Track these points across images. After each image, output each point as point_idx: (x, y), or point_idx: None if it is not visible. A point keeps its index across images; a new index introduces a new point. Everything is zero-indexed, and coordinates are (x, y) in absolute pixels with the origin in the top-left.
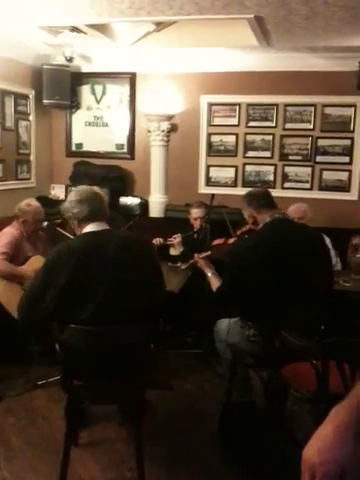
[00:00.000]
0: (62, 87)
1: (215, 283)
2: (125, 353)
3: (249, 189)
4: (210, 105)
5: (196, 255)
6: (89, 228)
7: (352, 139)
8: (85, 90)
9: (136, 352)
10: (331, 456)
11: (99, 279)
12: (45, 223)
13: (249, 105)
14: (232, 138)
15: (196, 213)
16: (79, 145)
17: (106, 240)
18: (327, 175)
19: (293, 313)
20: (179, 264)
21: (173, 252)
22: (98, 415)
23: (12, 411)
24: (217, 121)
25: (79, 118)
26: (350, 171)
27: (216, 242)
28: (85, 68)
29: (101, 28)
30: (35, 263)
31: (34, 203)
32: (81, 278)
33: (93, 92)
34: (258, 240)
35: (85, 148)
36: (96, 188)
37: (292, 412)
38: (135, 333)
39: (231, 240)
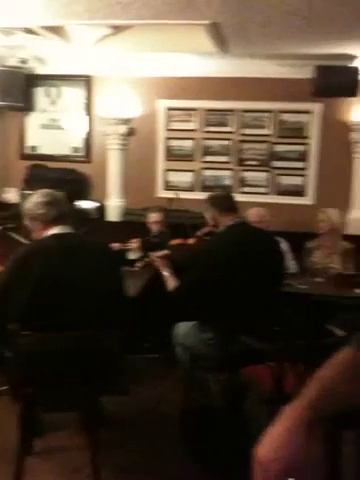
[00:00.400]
0: (16, 89)
1: (171, 283)
2: (84, 358)
3: (207, 193)
4: (168, 109)
5: (152, 254)
6: (55, 231)
7: (307, 145)
8: (40, 92)
9: (97, 357)
10: (284, 453)
11: (65, 283)
12: None
13: (207, 110)
14: (190, 143)
15: (154, 217)
16: (34, 148)
17: (73, 244)
18: (283, 180)
19: (249, 316)
20: (137, 268)
21: (131, 256)
22: (52, 423)
23: None
24: (175, 125)
25: (34, 121)
26: (305, 176)
27: (175, 241)
28: (40, 70)
29: (57, 30)
30: None
31: None
32: (48, 280)
33: (48, 94)
34: (220, 244)
35: (40, 151)
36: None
37: (251, 413)
38: (94, 338)
39: (190, 241)
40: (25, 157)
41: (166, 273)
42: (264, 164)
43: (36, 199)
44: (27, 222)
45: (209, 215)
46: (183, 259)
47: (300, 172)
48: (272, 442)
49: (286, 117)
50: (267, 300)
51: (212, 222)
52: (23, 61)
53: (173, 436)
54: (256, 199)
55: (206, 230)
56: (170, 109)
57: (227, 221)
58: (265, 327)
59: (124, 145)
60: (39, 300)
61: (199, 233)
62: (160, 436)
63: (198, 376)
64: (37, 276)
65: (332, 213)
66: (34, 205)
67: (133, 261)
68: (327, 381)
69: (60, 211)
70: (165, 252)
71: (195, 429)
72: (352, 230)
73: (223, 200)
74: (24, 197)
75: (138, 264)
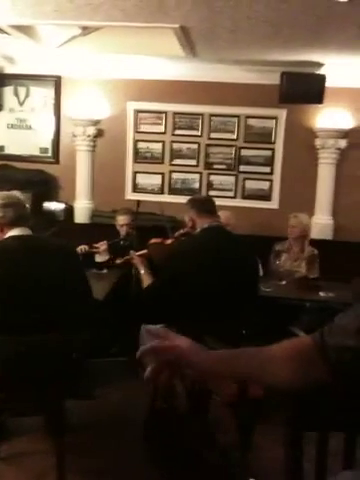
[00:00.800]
0: None
1: (147, 281)
2: (47, 362)
3: (176, 196)
4: (137, 112)
5: (132, 252)
6: (14, 233)
7: (273, 150)
8: (8, 91)
9: (57, 362)
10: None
11: (25, 284)
12: None
13: (175, 113)
14: (159, 145)
15: (122, 220)
16: (1, 148)
17: (31, 245)
18: (250, 184)
19: (217, 318)
20: (104, 271)
21: (98, 259)
22: (17, 427)
23: None
24: (144, 128)
25: (1, 120)
26: (271, 181)
27: (153, 241)
28: (8, 69)
29: (25, 29)
30: None
31: None
32: (7, 282)
33: (16, 94)
34: (194, 245)
35: (7, 151)
36: (17, 193)
37: (215, 416)
38: (58, 342)
39: (169, 241)
40: None
41: (143, 271)
42: (231, 168)
43: None
44: None
45: (187, 216)
46: (160, 259)
47: (266, 177)
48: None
49: (253, 122)
50: (239, 303)
51: (190, 223)
52: None
53: (139, 439)
54: (223, 203)
55: (183, 231)
56: (139, 111)
57: (203, 223)
58: (231, 330)
59: (93, 147)
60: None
61: (177, 234)
62: (126, 439)
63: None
64: None
65: (304, 218)
66: None
67: (100, 264)
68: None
69: (18, 213)
70: (144, 251)
71: (160, 433)
72: (315, 235)
73: (202, 203)
74: None
75: (118, 261)
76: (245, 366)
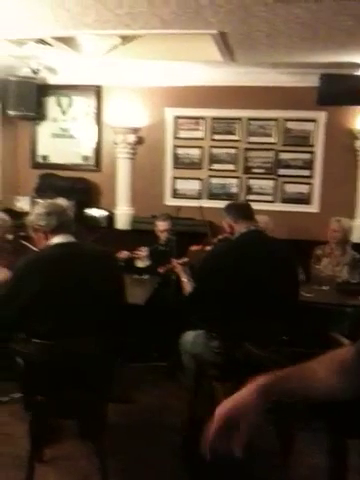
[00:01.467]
0: (28, 99)
1: (188, 289)
2: (87, 366)
3: (215, 201)
4: (176, 118)
5: (173, 260)
6: (57, 240)
7: (313, 153)
8: (51, 102)
9: (98, 365)
10: (232, 405)
11: (66, 291)
12: (11, 236)
13: (214, 119)
14: (197, 151)
15: (162, 225)
16: (45, 157)
17: (74, 252)
18: (289, 188)
19: (256, 324)
20: (145, 277)
21: (139, 264)
22: (62, 431)
23: None
24: (182, 134)
25: (45, 130)
26: (311, 184)
27: (193, 248)
28: (51, 80)
29: (67, 40)
30: (1, 274)
31: (1, 215)
32: (50, 289)
33: (59, 104)
34: (228, 248)
35: (51, 160)
36: (62, 201)
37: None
38: (97, 346)
39: (208, 247)
40: (36, 166)
41: (184, 279)
42: (270, 172)
43: (37, 210)
44: (31, 233)
45: (225, 223)
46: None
47: (305, 180)
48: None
49: (291, 125)
50: (278, 308)
51: (228, 229)
52: (35, 71)
53: (178, 445)
54: (262, 207)
55: (221, 237)
56: (178, 118)
57: (241, 228)
58: (272, 335)
59: (133, 154)
60: (41, 308)
61: (215, 240)
62: (165, 445)
63: (205, 385)
64: (37, 285)
65: (346, 223)
66: (36, 216)
67: (141, 269)
68: (295, 369)
69: (61, 220)
70: (185, 259)
71: (200, 439)
72: (357, 239)
73: (239, 208)
74: (35, 205)
75: (160, 270)
76: (295, 390)
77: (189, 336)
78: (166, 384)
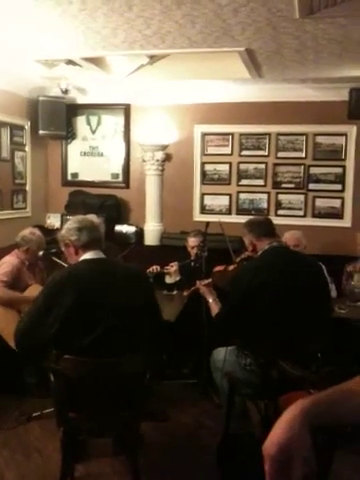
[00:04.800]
0: (58, 118)
1: (215, 310)
2: (121, 384)
3: (244, 217)
4: (203, 135)
5: (198, 282)
6: (87, 256)
7: (344, 167)
8: (80, 121)
9: (132, 383)
10: (280, 442)
11: (99, 307)
12: (41, 252)
13: (242, 134)
14: (226, 167)
15: (193, 241)
16: (75, 175)
17: (106, 269)
18: (320, 202)
19: (290, 342)
20: (175, 292)
21: (169, 280)
22: (94, 448)
23: (6, 445)
24: (211, 150)
25: (75, 148)
26: (343, 198)
27: (217, 269)
28: (80, 99)
29: (96, 61)
30: (33, 291)
31: (37, 232)
32: (82, 305)
33: (88, 123)
34: (254, 266)
35: (81, 177)
36: (93, 218)
37: None
38: (132, 363)
39: (231, 267)
40: (67, 184)
41: (210, 300)
42: (300, 187)
43: (69, 225)
44: (62, 248)
45: (247, 240)
46: (224, 286)
47: (337, 194)
48: (272, 434)
49: (321, 139)
50: (310, 325)
51: (250, 247)
52: (64, 91)
53: (211, 464)
54: (292, 222)
55: (245, 255)
56: (206, 134)
57: (264, 245)
58: (306, 353)
59: (161, 170)
60: (72, 325)
61: (238, 259)
62: (198, 463)
63: (237, 403)
64: (69, 301)
65: None
66: (67, 231)
67: (171, 285)
68: (336, 392)
69: (92, 236)
70: (209, 280)
71: (234, 459)
72: None
73: (259, 225)
74: (65, 222)
75: (184, 293)
76: (338, 414)
77: (220, 354)
78: (200, 401)
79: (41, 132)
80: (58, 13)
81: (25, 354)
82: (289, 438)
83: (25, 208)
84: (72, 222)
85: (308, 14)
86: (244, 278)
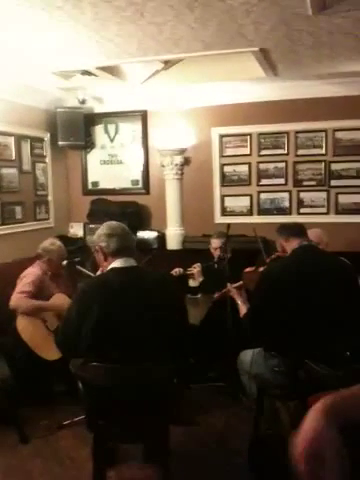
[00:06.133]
0: (76, 128)
1: (244, 311)
2: (149, 390)
3: (265, 217)
4: (221, 137)
5: (229, 285)
6: (117, 263)
7: None
8: (99, 130)
9: (161, 388)
10: (307, 439)
11: (130, 315)
12: (65, 262)
13: (260, 134)
14: (245, 167)
15: (216, 243)
16: (95, 183)
17: (134, 277)
18: (343, 199)
19: (318, 341)
20: (199, 296)
21: (192, 284)
22: (125, 454)
23: (39, 453)
24: (229, 152)
25: (94, 157)
26: None
27: (247, 270)
28: (98, 109)
29: (111, 70)
30: (57, 300)
31: (57, 242)
32: (110, 315)
33: (106, 131)
34: (283, 266)
35: (101, 186)
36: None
37: None
38: (159, 370)
39: (261, 268)
40: (88, 192)
41: (240, 302)
42: (321, 184)
43: (100, 231)
44: (94, 254)
45: (278, 243)
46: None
47: (359, 190)
48: (301, 431)
49: (341, 135)
50: (339, 324)
51: (280, 249)
52: (82, 101)
53: (243, 466)
54: (315, 220)
55: (275, 256)
56: (224, 136)
57: (293, 245)
58: (334, 352)
59: (180, 174)
60: (101, 335)
61: (268, 260)
62: (229, 466)
63: (266, 405)
64: (97, 310)
65: None
66: (98, 237)
67: (194, 289)
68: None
69: (121, 243)
70: (240, 283)
71: (265, 461)
72: None
73: (289, 227)
74: (88, 231)
75: (215, 295)
76: None
77: (247, 355)
78: (228, 405)
79: (60, 143)
80: (71, 24)
81: (68, 353)
82: (315, 438)
83: (48, 219)
84: (103, 228)
85: (321, 10)
86: (269, 278)
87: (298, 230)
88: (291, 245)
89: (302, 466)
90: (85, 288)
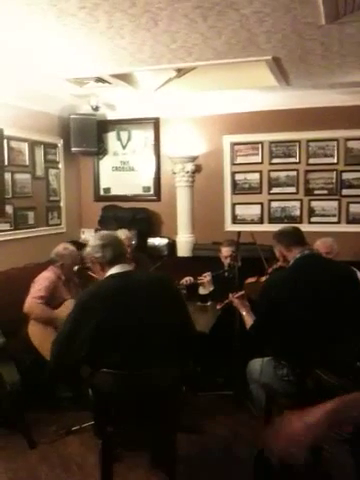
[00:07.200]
0: (89, 135)
1: (249, 322)
2: (156, 396)
3: (276, 225)
4: (233, 145)
5: (231, 295)
6: (113, 270)
7: None
8: (111, 137)
9: (167, 395)
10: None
11: (129, 321)
12: (76, 267)
13: (271, 143)
14: (256, 175)
15: (227, 251)
16: (107, 189)
17: (133, 282)
18: (354, 208)
19: (326, 350)
20: (209, 303)
21: (202, 291)
22: (132, 460)
23: (46, 459)
24: (240, 160)
25: (106, 164)
26: None
27: (249, 280)
28: (110, 116)
29: (124, 77)
30: (69, 306)
31: (70, 247)
32: (111, 320)
33: (119, 138)
34: (287, 276)
35: (113, 192)
36: (123, 232)
37: (330, 454)
38: (166, 376)
39: (263, 278)
40: (99, 199)
41: (244, 312)
42: (333, 193)
43: (93, 243)
44: (89, 265)
45: (277, 251)
46: (257, 297)
47: None
48: (306, 419)
49: (353, 144)
50: (345, 333)
51: (281, 258)
52: (95, 108)
53: (249, 476)
54: (326, 229)
55: (277, 266)
56: (235, 144)
57: (295, 254)
58: (342, 361)
59: (192, 182)
60: (101, 341)
61: (270, 270)
62: (235, 476)
63: (275, 414)
64: (96, 319)
65: None
66: (92, 249)
67: (204, 296)
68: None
69: (117, 252)
70: (242, 292)
71: (271, 471)
72: None
73: (287, 234)
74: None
75: (217, 306)
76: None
77: (256, 365)
78: (235, 413)
79: (73, 149)
80: (85, 32)
81: (60, 372)
82: (308, 423)
83: (60, 224)
84: (95, 239)
85: (334, 19)
86: (271, 289)
87: (299, 238)
88: (292, 254)
89: (283, 444)
90: (83, 297)
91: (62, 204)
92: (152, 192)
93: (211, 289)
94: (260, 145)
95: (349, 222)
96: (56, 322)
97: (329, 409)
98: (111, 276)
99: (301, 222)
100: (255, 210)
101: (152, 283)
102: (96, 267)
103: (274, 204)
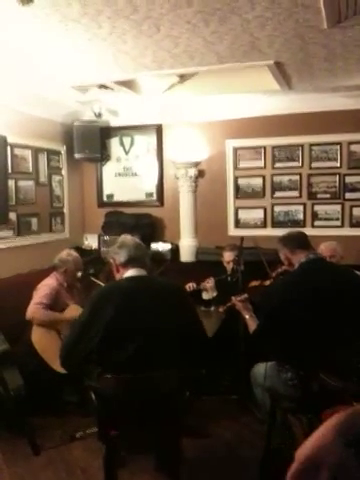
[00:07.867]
0: (92, 141)
1: (252, 325)
2: (161, 400)
3: (279, 229)
4: (235, 149)
5: (233, 298)
6: (128, 273)
7: None
8: (114, 143)
9: (172, 399)
10: (310, 452)
11: (138, 323)
12: (79, 273)
13: (274, 147)
14: (259, 180)
15: (229, 256)
16: (110, 195)
17: (146, 286)
18: (357, 212)
19: (331, 354)
20: (212, 308)
21: (205, 296)
22: (136, 464)
23: (51, 463)
24: (243, 164)
25: (109, 170)
26: None
27: (252, 284)
28: (113, 122)
29: (127, 83)
30: (72, 311)
31: (74, 253)
32: (122, 320)
33: (122, 144)
34: (291, 280)
35: (116, 198)
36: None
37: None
38: (171, 380)
39: (267, 282)
40: (102, 205)
41: (247, 316)
42: (336, 196)
43: (115, 243)
44: (110, 264)
45: (282, 255)
46: (260, 301)
47: None
48: (307, 443)
49: (356, 148)
50: (349, 336)
51: (286, 262)
52: (98, 115)
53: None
54: (330, 232)
55: (281, 270)
56: (238, 148)
57: (300, 258)
58: (347, 365)
59: (195, 187)
60: (110, 340)
61: (274, 274)
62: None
63: (279, 418)
64: (108, 316)
65: None
66: (112, 249)
67: (208, 301)
68: None
69: (132, 255)
70: (245, 295)
71: (277, 474)
72: None
73: (292, 238)
74: (102, 243)
75: (220, 309)
76: None
77: (260, 369)
78: (240, 416)
79: (77, 155)
80: (88, 37)
81: (70, 369)
82: (320, 444)
83: (63, 230)
84: (118, 241)
85: (336, 23)
86: (275, 294)
87: (304, 242)
88: (297, 257)
89: (296, 466)
90: (99, 292)
91: (65, 210)
92: (155, 197)
93: (214, 294)
94: (263, 149)
95: (352, 226)
96: (60, 324)
97: (340, 419)
98: (127, 278)
99: (304, 226)
100: (258, 214)
101: (162, 289)
102: (113, 267)
103: (277, 208)
